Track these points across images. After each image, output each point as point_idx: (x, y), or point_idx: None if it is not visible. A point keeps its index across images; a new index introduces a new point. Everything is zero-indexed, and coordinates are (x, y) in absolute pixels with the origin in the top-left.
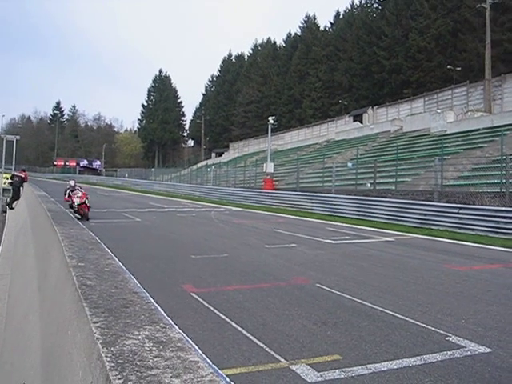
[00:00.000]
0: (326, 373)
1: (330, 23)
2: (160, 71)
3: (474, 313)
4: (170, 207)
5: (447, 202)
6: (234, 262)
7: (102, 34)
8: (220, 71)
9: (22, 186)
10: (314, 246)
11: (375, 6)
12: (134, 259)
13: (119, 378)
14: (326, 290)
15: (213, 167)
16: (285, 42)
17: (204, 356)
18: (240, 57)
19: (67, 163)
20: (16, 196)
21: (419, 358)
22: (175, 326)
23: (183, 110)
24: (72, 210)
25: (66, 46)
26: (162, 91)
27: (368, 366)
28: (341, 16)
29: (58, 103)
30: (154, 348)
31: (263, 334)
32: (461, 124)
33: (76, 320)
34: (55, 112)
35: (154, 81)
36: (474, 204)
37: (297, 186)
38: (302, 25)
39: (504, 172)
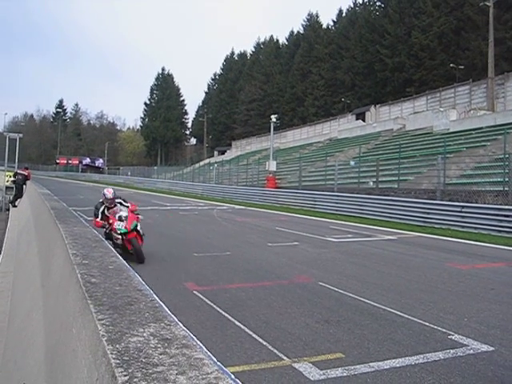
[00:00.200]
0: (328, 371)
1: (333, 21)
2: (163, 69)
3: (477, 311)
4: (172, 205)
5: (450, 201)
6: (236, 260)
7: (105, 32)
8: (222, 69)
9: (25, 184)
10: (316, 245)
11: (378, 4)
12: None
13: (125, 375)
14: (329, 289)
15: (215, 165)
16: (287, 40)
17: (209, 353)
18: (242, 55)
19: (70, 161)
20: (19, 194)
21: (422, 356)
22: (180, 324)
23: (186, 108)
24: (111, 243)
25: (69, 44)
26: (165, 89)
27: (371, 364)
28: (343, 14)
29: (61, 101)
30: (159, 345)
31: (266, 332)
32: (464, 122)
33: (81, 317)
34: (58, 110)
35: (157, 79)
36: (476, 202)
37: (299, 184)
38: (304, 23)
39: (507, 170)
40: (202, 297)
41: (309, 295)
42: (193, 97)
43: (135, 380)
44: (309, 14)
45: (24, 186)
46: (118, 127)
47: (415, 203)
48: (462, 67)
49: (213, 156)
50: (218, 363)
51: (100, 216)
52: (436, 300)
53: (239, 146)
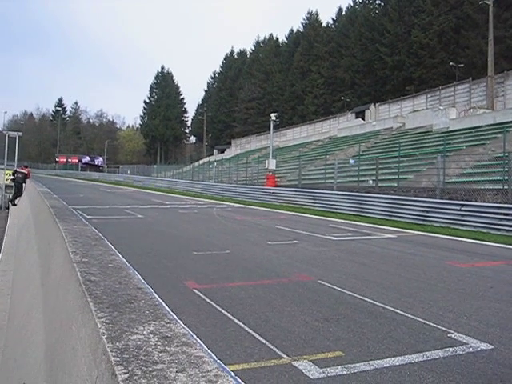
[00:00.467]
0: (328, 369)
1: (333, 20)
2: (162, 68)
3: (476, 310)
4: (172, 204)
5: (449, 199)
6: (236, 258)
7: (104, 30)
8: (222, 68)
9: (24, 182)
10: (316, 243)
11: (377, 2)
12: (136, 255)
13: (125, 373)
14: (328, 287)
15: (215, 164)
16: (287, 38)
17: (209, 351)
18: (242, 53)
19: (69, 160)
20: (18, 192)
21: (421, 354)
22: (180, 322)
23: (185, 106)
24: None
25: (68, 43)
26: (164, 88)
27: (370, 362)
28: (343, 12)
29: (60, 100)
30: (159, 343)
31: (265, 330)
32: (463, 121)
33: (80, 315)
34: (57, 109)
35: (156, 77)
36: (476, 201)
37: (299, 182)
38: (304, 21)
39: (506, 169)
40: (201, 295)
41: (308, 293)
42: (192, 95)
43: (135, 378)
44: (308, 13)
45: (23, 185)
46: (118, 126)
47: (415, 202)
48: (462, 65)
49: (212, 154)
50: (218, 361)
51: None
52: (435, 298)
53: (239, 145)
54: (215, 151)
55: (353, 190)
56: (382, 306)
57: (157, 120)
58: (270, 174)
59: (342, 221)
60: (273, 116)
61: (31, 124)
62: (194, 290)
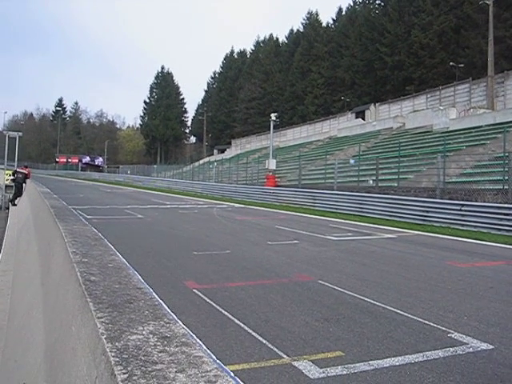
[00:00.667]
0: (328, 369)
1: (333, 20)
2: (162, 68)
3: (477, 310)
4: (172, 204)
5: (450, 199)
6: (236, 258)
7: (104, 30)
8: (222, 68)
9: (24, 182)
10: (316, 243)
11: (377, 2)
12: (136, 255)
13: (124, 373)
14: (329, 287)
15: (215, 164)
16: (287, 38)
17: (208, 351)
18: (242, 53)
19: (69, 160)
20: (19, 193)
21: (421, 354)
22: (179, 322)
23: (185, 106)
24: None
25: (68, 43)
26: (164, 88)
27: (370, 362)
28: (343, 12)
29: (61, 100)
30: (159, 343)
31: (265, 330)
32: (463, 121)
33: (80, 315)
34: (57, 109)
35: (156, 77)
36: (476, 201)
37: (299, 182)
38: (304, 21)
39: (507, 169)
40: (201, 295)
41: (308, 293)
42: (192, 95)
43: (134, 378)
44: (308, 13)
45: (24, 185)
46: (118, 126)
47: (415, 202)
48: (462, 65)
49: (212, 154)
50: (218, 361)
51: None
52: (436, 298)
53: (239, 145)
54: (215, 151)
55: (353, 190)
56: (382, 306)
57: (157, 120)
58: (270, 174)
59: (342, 221)
60: (273, 116)
61: (31, 124)
62: (194, 290)
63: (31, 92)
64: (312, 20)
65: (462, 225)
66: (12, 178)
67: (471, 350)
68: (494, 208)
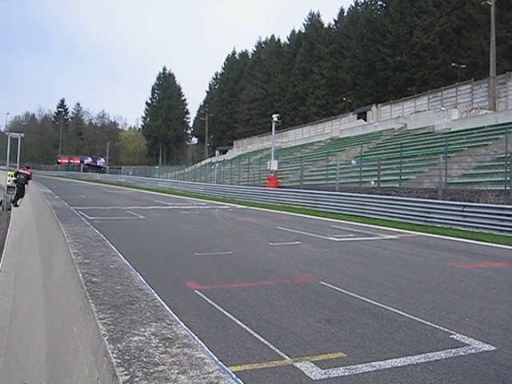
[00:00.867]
0: (330, 370)
1: (334, 20)
2: (164, 69)
3: (479, 311)
4: (173, 205)
5: (451, 200)
6: (238, 259)
7: (105, 31)
8: (224, 69)
9: (26, 183)
10: (318, 244)
11: (379, 3)
12: (138, 256)
13: (126, 374)
14: (330, 288)
15: (217, 165)
16: (289, 39)
17: (210, 353)
18: (244, 54)
19: (71, 161)
20: (21, 193)
21: (423, 355)
22: (181, 323)
23: (187, 107)
24: None
25: (70, 44)
26: (166, 89)
27: (372, 363)
28: (345, 13)
29: (63, 101)
30: (161, 344)
31: (267, 331)
32: (465, 122)
33: (82, 317)
34: (59, 110)
35: (158, 78)
36: (478, 202)
37: (301, 183)
38: (306, 22)
39: (508, 170)
40: (203, 296)
41: (310, 295)
42: (194, 96)
43: (136, 379)
44: (310, 14)
45: (26, 186)
46: (120, 127)
47: (417, 202)
48: (464, 66)
49: (214, 155)
50: (220, 362)
51: None
52: (438, 299)
53: (241, 146)
54: (217, 152)
55: (355, 191)
56: (384, 307)
57: (159, 121)
58: (272, 174)
59: (344, 222)
60: (275, 117)
61: (33, 125)
62: (196, 291)
63: (33, 93)
64: (314, 21)
65: (464, 226)
66: (14, 178)
67: (473, 351)
68: (495, 209)
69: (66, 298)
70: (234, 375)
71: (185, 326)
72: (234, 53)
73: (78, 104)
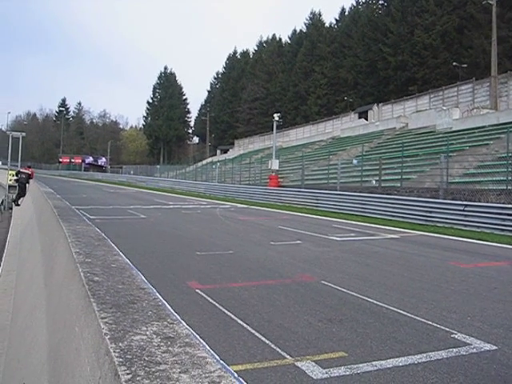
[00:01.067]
0: (331, 369)
1: (336, 20)
2: (165, 68)
3: (480, 310)
4: (175, 204)
5: (453, 200)
6: (239, 258)
7: (106, 31)
8: (225, 68)
9: (28, 182)
10: (319, 243)
11: (380, 2)
12: (139, 255)
13: (128, 373)
14: (332, 287)
15: (218, 164)
16: (290, 38)
17: (212, 352)
18: (245, 53)
19: (72, 160)
20: (22, 193)
21: (424, 355)
22: (183, 322)
23: (188, 106)
24: None
25: (71, 43)
26: (167, 88)
27: (373, 362)
28: (346, 13)
29: (64, 100)
30: (162, 343)
31: (268, 330)
32: (466, 121)
33: (83, 316)
34: (61, 109)
35: (159, 78)
36: (479, 201)
37: (302, 183)
38: (307, 21)
39: (510, 169)
40: (204, 295)
41: (311, 294)
42: (195, 95)
43: (138, 378)
44: (311, 13)
45: (27, 185)
46: (121, 126)
47: (418, 202)
48: (465, 66)
49: (215, 155)
50: (221, 362)
51: None
52: (439, 299)
53: (242, 145)
54: (218, 151)
55: (356, 191)
56: (386, 306)
57: (160, 120)
58: (273, 174)
59: (345, 221)
60: (276, 116)
61: (34, 124)
62: (197, 291)
63: (34, 92)
64: (315, 20)
65: (465, 225)
66: (15, 178)
67: (474, 350)
68: (497, 208)
69: (68, 297)
70: (235, 374)
71: (186, 325)
72: (235, 52)
73: (80, 103)
